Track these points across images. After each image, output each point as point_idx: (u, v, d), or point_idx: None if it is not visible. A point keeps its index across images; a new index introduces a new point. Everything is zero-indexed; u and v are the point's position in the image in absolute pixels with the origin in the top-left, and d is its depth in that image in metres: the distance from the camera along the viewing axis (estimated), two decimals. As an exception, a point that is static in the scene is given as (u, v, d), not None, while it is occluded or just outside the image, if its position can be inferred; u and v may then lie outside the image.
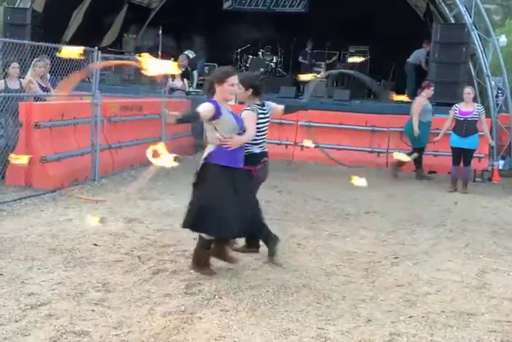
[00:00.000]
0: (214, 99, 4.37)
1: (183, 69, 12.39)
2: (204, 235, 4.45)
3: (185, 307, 3.82)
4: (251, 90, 4.72)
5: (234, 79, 4.38)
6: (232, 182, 4.34)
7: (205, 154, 4.41)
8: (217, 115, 4.29)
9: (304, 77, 5.27)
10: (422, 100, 9.33)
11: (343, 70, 5.12)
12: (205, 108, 4.26)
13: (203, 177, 4.34)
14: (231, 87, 4.38)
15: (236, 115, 4.50)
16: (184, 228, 4.48)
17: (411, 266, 4.99)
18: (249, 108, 4.70)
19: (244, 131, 4.46)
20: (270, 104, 4.96)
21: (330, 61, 15.45)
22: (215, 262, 4.64)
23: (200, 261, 4.53)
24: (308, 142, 5.35)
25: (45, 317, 3.56)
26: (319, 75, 5.02)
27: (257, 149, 4.78)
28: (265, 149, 4.88)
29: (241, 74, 4.74)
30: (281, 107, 5.06)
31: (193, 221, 4.35)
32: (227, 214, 4.24)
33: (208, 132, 4.43)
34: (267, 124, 4.87)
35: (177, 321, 3.60)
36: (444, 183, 9.05)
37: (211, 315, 3.72)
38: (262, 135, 4.81)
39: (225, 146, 4.32)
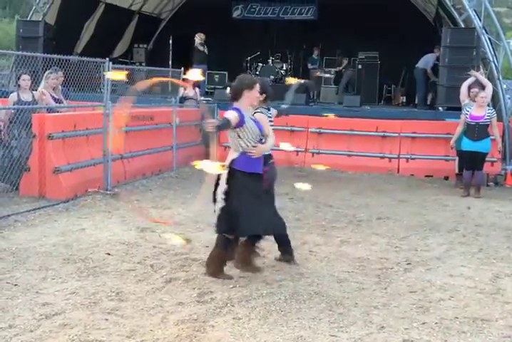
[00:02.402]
0: (236, 106, 4.51)
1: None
2: (230, 237, 4.57)
3: (198, 315, 3.84)
4: (264, 95, 4.92)
5: (258, 86, 4.65)
6: (256, 186, 4.55)
7: (229, 160, 4.54)
8: (241, 123, 4.44)
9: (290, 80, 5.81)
10: (467, 103, 9.22)
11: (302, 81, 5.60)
12: (232, 115, 4.42)
13: (231, 184, 4.48)
14: (258, 94, 4.65)
15: (255, 120, 4.63)
16: (218, 233, 4.60)
17: (423, 272, 4.98)
18: (259, 111, 4.87)
19: (264, 136, 4.64)
20: (273, 109, 5.27)
21: (341, 68, 15.45)
22: (228, 270, 4.66)
23: (218, 267, 4.61)
24: (286, 146, 5.63)
25: (60, 326, 3.60)
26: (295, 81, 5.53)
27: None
28: (269, 152, 4.92)
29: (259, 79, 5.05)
30: (274, 111, 5.34)
31: (227, 225, 4.49)
32: (259, 215, 4.47)
33: (231, 139, 4.56)
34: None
35: (190, 330, 3.62)
36: (457, 188, 9.02)
37: (223, 324, 3.73)
38: None
39: (250, 154, 4.48)
